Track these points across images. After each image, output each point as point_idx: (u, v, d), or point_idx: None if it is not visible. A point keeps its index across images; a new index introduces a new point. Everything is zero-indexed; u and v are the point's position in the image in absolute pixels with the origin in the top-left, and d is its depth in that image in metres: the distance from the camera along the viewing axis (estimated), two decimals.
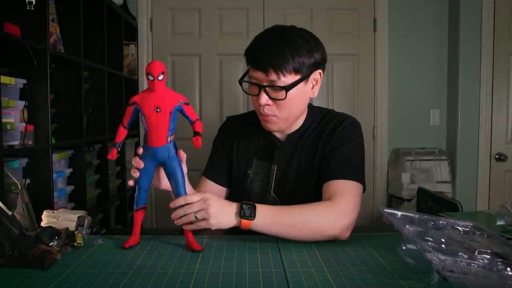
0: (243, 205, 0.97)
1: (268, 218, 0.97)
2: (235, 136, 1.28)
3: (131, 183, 0.99)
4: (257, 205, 0.98)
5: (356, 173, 1.10)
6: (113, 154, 0.93)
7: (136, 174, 0.96)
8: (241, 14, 2.80)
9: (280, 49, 1.06)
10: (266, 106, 1.11)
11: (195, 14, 2.80)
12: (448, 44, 2.83)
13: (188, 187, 1.05)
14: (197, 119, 0.92)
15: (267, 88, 1.08)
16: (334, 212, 1.00)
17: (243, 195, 1.22)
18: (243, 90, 1.17)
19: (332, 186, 1.07)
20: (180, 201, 0.95)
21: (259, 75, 1.08)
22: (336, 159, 1.12)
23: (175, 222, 0.97)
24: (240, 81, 1.14)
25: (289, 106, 1.11)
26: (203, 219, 0.94)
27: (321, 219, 0.99)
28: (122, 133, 0.93)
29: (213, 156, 1.30)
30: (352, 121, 1.20)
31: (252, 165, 1.23)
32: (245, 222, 0.96)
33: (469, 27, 2.69)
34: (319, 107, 1.29)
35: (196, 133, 0.91)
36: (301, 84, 1.10)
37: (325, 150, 1.15)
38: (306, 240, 0.99)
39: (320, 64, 1.14)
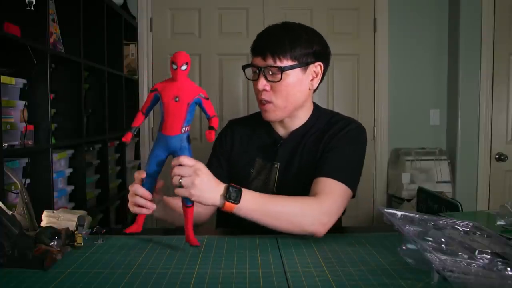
0: (230, 188, 0.94)
1: (252, 205, 0.96)
2: (236, 138, 1.30)
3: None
4: (243, 190, 0.96)
5: (348, 176, 1.10)
6: (127, 137, 0.92)
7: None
8: (241, 14, 2.80)
9: (279, 36, 1.13)
10: (264, 91, 1.14)
11: (195, 14, 2.80)
12: (448, 44, 2.83)
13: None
14: (214, 115, 0.93)
15: (265, 71, 1.13)
16: (316, 210, 1.00)
17: None
18: (246, 77, 1.21)
19: (321, 183, 1.07)
20: (177, 160, 0.90)
21: (258, 61, 1.15)
22: (332, 158, 1.12)
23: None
24: (244, 66, 1.20)
25: (286, 92, 1.14)
26: (187, 187, 0.90)
27: (303, 214, 0.99)
28: (139, 118, 0.94)
29: (212, 159, 1.31)
30: (358, 125, 1.21)
31: (254, 165, 1.24)
32: (228, 205, 0.93)
33: (469, 27, 2.69)
34: (325, 108, 1.30)
35: (211, 128, 0.91)
36: (299, 71, 1.13)
37: (325, 148, 1.16)
38: (282, 231, 0.99)
39: (320, 56, 1.17)
